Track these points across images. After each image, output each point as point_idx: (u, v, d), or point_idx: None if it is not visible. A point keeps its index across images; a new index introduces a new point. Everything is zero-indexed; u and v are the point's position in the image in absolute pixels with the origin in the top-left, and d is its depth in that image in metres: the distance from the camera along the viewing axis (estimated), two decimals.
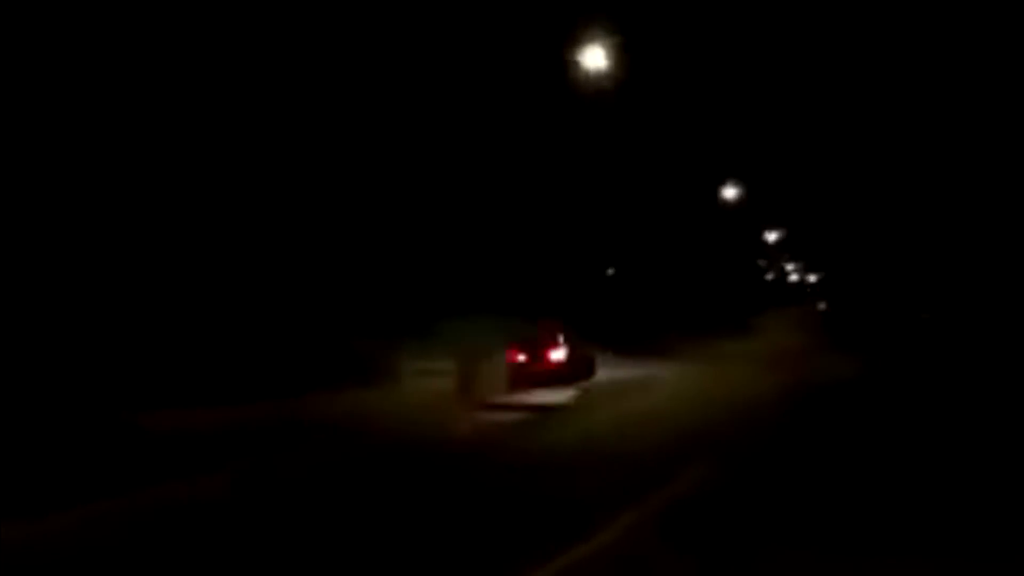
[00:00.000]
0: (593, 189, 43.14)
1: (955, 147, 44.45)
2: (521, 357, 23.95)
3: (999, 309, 42.82)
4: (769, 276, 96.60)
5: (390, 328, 23.34)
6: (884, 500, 9.86)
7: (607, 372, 26.68)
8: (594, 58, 27.19)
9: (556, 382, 22.80)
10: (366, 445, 13.90)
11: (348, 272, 27.23)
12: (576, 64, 27.61)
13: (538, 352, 23.91)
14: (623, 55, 30.31)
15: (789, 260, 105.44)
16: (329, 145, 26.41)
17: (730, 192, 61.12)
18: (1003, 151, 39.64)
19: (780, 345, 43.43)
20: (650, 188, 48.98)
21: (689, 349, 38.05)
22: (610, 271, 51.76)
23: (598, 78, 28.52)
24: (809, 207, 76.99)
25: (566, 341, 24.59)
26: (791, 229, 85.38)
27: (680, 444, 13.43)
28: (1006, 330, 38.86)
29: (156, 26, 20.21)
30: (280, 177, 24.41)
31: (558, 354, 24.03)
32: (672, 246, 55.25)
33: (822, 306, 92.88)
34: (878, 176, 58.39)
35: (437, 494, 10.75)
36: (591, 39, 27.23)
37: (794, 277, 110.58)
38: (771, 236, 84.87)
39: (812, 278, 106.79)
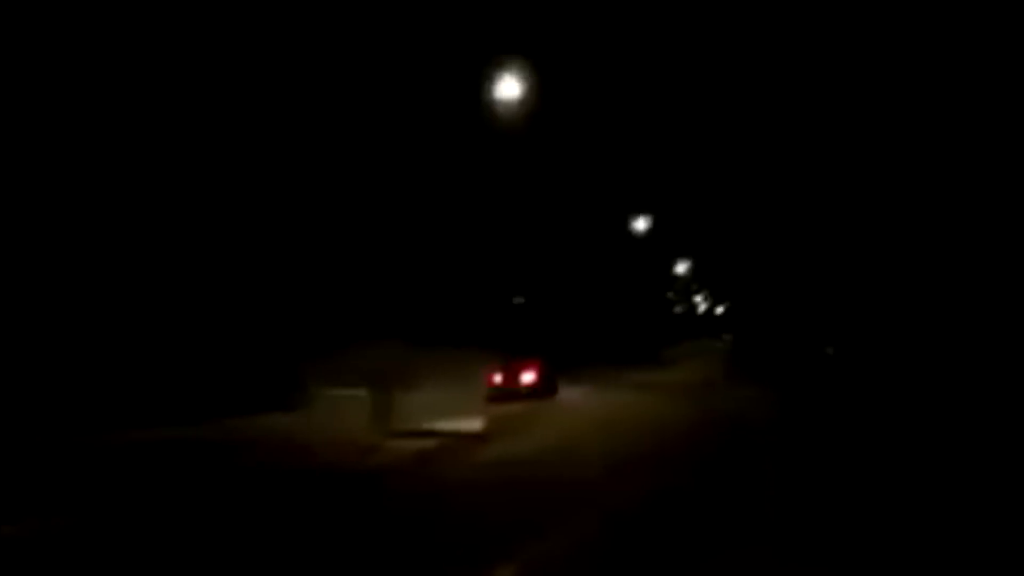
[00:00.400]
0: (506, 219, 43.43)
1: (855, 180, 45.80)
2: (498, 379, 30.56)
3: (900, 344, 44.18)
4: (678, 308, 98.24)
5: (304, 352, 23.19)
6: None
7: (521, 401, 26.83)
8: (508, 89, 27.38)
9: (528, 398, 28.93)
10: (277, 470, 13.76)
11: (265, 298, 26.97)
12: (491, 95, 27.77)
13: (512, 376, 30.56)
14: (536, 86, 30.69)
15: (698, 291, 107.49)
16: (249, 177, 26.26)
17: (640, 224, 61.88)
18: (902, 188, 40.91)
19: (688, 377, 44.27)
20: (562, 218, 49.49)
21: (599, 379, 38.47)
22: (518, 300, 51.96)
23: (511, 109, 28.73)
24: (716, 239, 78.63)
25: (537, 368, 31.55)
26: (699, 261, 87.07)
27: (587, 478, 13.58)
28: (904, 365, 40.15)
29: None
30: (198, 204, 24.20)
31: (528, 377, 30.81)
32: (583, 276, 55.77)
33: (728, 338, 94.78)
34: (783, 209, 59.81)
35: (336, 522, 10.72)
36: (505, 70, 27.44)
37: (702, 308, 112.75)
38: (680, 268, 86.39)
39: (719, 309, 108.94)
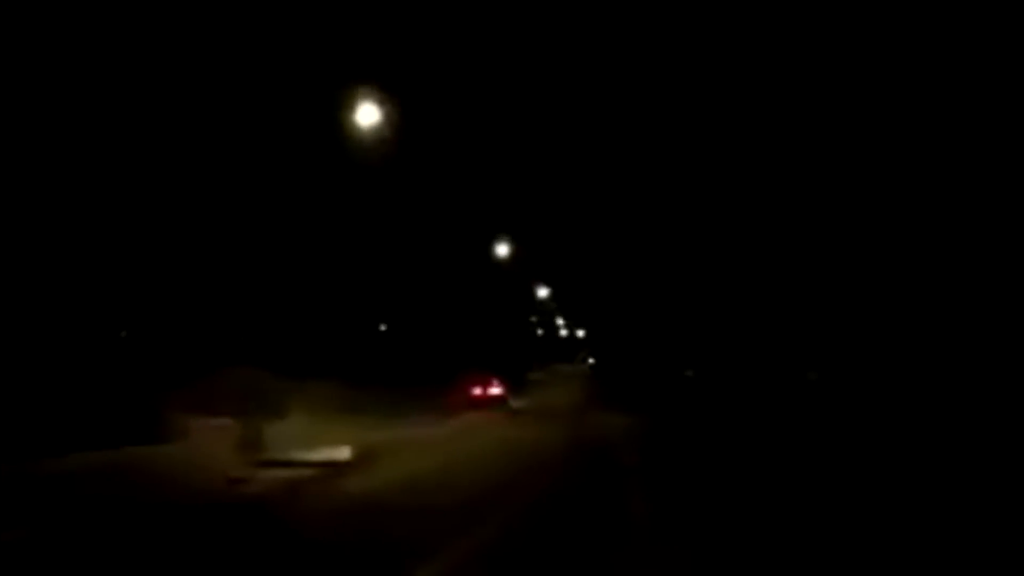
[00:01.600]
0: (368, 244, 43.28)
1: (708, 206, 47.36)
2: (476, 391, 43.96)
3: (756, 366, 45.89)
4: (540, 331, 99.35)
5: (166, 380, 22.64)
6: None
7: (388, 428, 26.76)
8: (367, 115, 27.40)
9: (493, 406, 41.68)
10: (143, 503, 13.42)
11: (124, 326, 26.28)
12: (349, 121, 27.76)
13: (485, 388, 44.89)
14: (395, 113, 30.85)
15: (559, 316, 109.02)
16: (101, 196, 25.63)
17: (502, 249, 62.37)
18: (759, 211, 42.40)
19: (554, 401, 44.94)
20: (423, 244, 49.58)
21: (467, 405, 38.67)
22: (383, 327, 51.76)
23: (371, 135, 28.76)
24: (575, 265, 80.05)
25: (501, 384, 46.41)
26: (559, 286, 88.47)
27: (455, 507, 13.69)
28: (759, 387, 41.74)
29: None
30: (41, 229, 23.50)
31: (496, 390, 45.41)
32: (445, 301, 55.91)
33: (591, 361, 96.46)
34: (640, 234, 61.39)
35: (208, 553, 10.58)
36: (364, 97, 27.48)
37: (564, 332, 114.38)
38: (542, 292, 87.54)
39: (580, 333, 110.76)
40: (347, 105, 27.45)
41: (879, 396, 31.06)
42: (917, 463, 18.52)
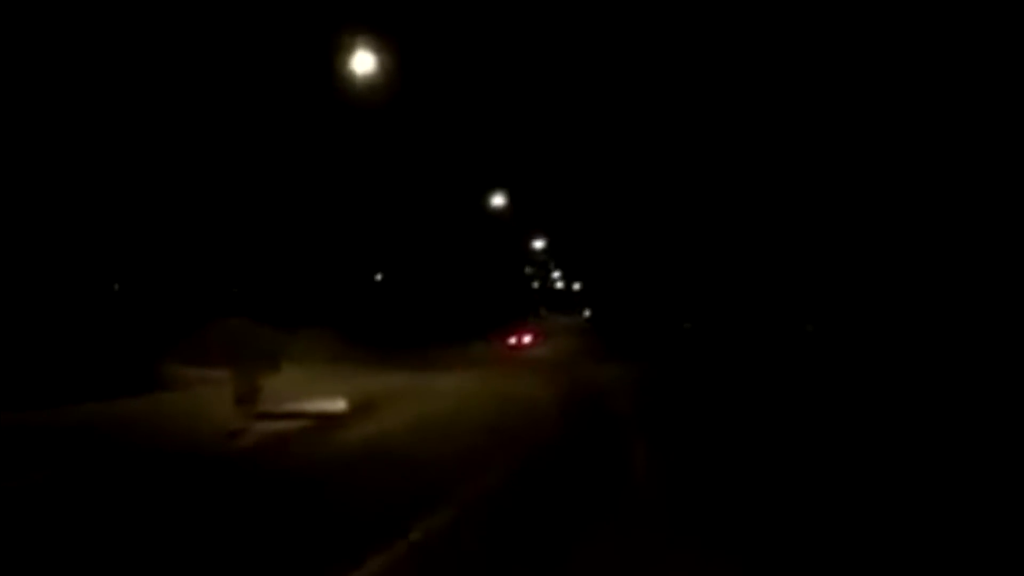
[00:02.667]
0: (363, 194, 42.93)
1: (711, 161, 47.04)
2: (513, 340, 51.80)
3: (754, 318, 45.87)
4: (535, 284, 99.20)
5: (159, 332, 22.47)
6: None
7: (383, 378, 26.63)
8: (362, 63, 26.93)
9: (530, 347, 50.46)
10: (143, 455, 13.30)
11: (117, 278, 26.05)
12: (344, 68, 27.30)
13: (520, 337, 52.85)
14: (391, 61, 30.38)
15: (555, 268, 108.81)
16: (96, 154, 25.32)
17: (497, 200, 62.01)
18: (757, 168, 42.18)
19: (553, 352, 44.88)
20: (418, 194, 49.24)
21: (464, 355, 38.58)
22: (378, 276, 51.61)
23: (366, 83, 28.31)
24: (571, 215, 79.66)
25: (534, 333, 55.41)
26: (555, 237, 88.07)
27: (456, 455, 13.70)
28: (760, 338, 41.76)
29: None
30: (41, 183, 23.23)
31: (528, 338, 53.50)
32: (440, 252, 55.75)
33: (587, 313, 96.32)
34: (637, 186, 61.03)
35: (211, 505, 10.45)
36: (359, 43, 27.01)
37: (560, 284, 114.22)
38: (537, 244, 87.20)
39: (576, 286, 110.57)
40: (342, 51, 27.00)
41: (874, 348, 31.13)
42: (905, 410, 18.64)
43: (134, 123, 27.30)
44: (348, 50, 26.95)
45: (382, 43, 28.14)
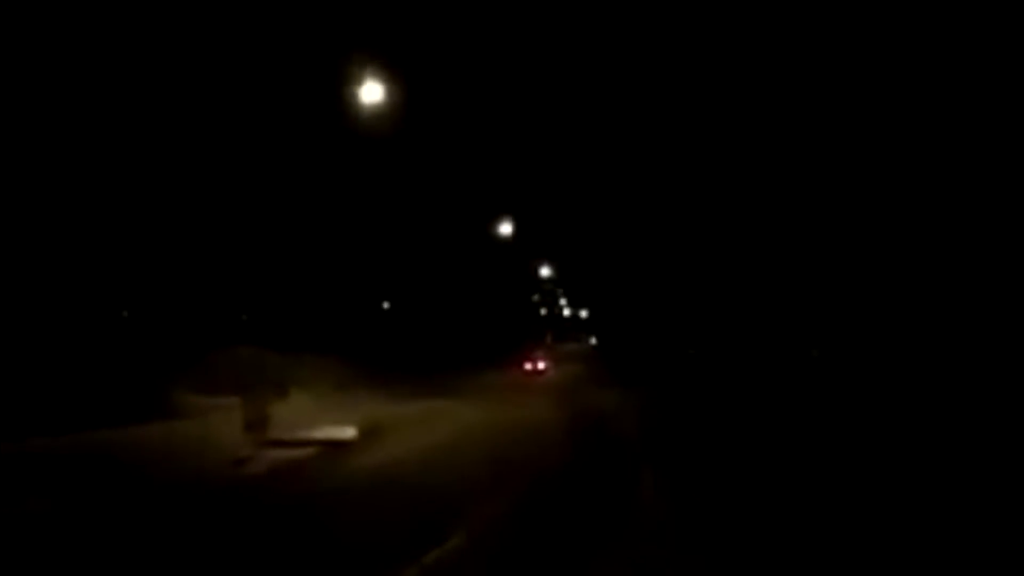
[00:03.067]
0: (371, 222, 43.11)
1: (716, 189, 47.15)
2: (528, 366, 54.07)
3: (759, 344, 45.84)
4: (543, 311, 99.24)
5: (169, 360, 22.59)
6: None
7: (391, 406, 26.66)
8: (370, 93, 27.14)
9: (543, 373, 52.19)
10: (150, 482, 13.35)
11: (127, 305, 26.18)
12: (353, 99, 27.51)
13: (535, 364, 54.58)
14: (399, 91, 30.60)
15: (562, 295, 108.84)
16: (106, 178, 25.53)
17: (504, 228, 62.12)
18: (761, 196, 42.26)
19: (559, 379, 44.88)
20: (425, 222, 49.42)
21: (471, 382, 38.58)
22: (385, 304, 51.71)
23: (374, 112, 28.50)
24: (578, 243, 79.79)
25: (546, 359, 56.80)
26: (562, 265, 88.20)
27: (464, 482, 13.66)
28: (764, 363, 41.72)
29: None
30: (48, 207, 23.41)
31: (542, 364, 55.00)
32: (447, 279, 55.89)
33: (593, 340, 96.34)
34: (643, 214, 61.18)
35: (218, 532, 10.50)
36: (367, 74, 27.22)
37: (567, 312, 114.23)
38: (544, 271, 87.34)
39: (583, 313, 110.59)
40: (351, 81, 27.22)
41: (879, 373, 31.09)
42: (912, 438, 18.61)
43: (143, 153, 27.51)
44: (356, 81, 27.15)
45: (390, 73, 28.36)
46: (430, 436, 20.11)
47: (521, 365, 54.12)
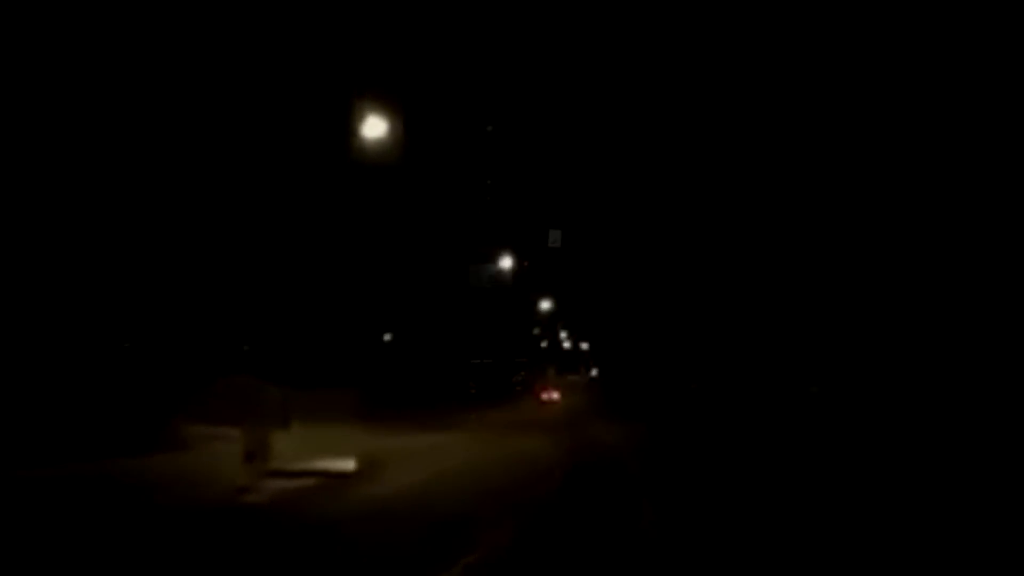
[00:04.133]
0: (372, 255, 43.26)
1: (715, 221, 47.30)
2: (544, 396, 61.20)
3: (759, 379, 45.83)
4: (544, 344, 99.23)
5: (169, 390, 22.59)
6: None
7: (391, 438, 26.63)
8: (373, 128, 27.33)
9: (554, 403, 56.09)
10: (146, 510, 13.35)
11: (129, 336, 26.21)
12: (357, 133, 27.71)
13: (549, 394, 61.12)
14: (400, 126, 30.84)
15: (562, 328, 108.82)
16: (107, 207, 25.68)
17: (505, 262, 62.36)
18: (763, 226, 42.37)
19: (560, 413, 44.80)
20: (428, 257, 49.61)
21: (472, 415, 38.57)
22: (387, 336, 51.73)
23: (377, 146, 28.71)
24: (578, 278, 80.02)
25: (558, 390, 63.38)
26: (562, 299, 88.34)
27: (463, 513, 13.65)
28: (763, 399, 41.71)
29: None
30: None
31: (555, 394, 61.78)
32: (448, 313, 55.96)
33: (594, 372, 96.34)
34: (644, 248, 61.38)
35: (214, 562, 10.51)
36: (370, 109, 27.45)
37: (567, 344, 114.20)
38: (544, 305, 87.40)
39: (584, 345, 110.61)
40: (354, 116, 27.46)
41: (879, 409, 31.11)
42: (912, 472, 18.65)
43: (148, 185, 27.68)
44: (359, 116, 27.37)
45: (390, 108, 28.59)
46: (431, 467, 20.15)
47: (538, 395, 63.14)
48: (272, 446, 18.11)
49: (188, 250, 29.77)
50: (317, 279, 38.52)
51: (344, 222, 39.53)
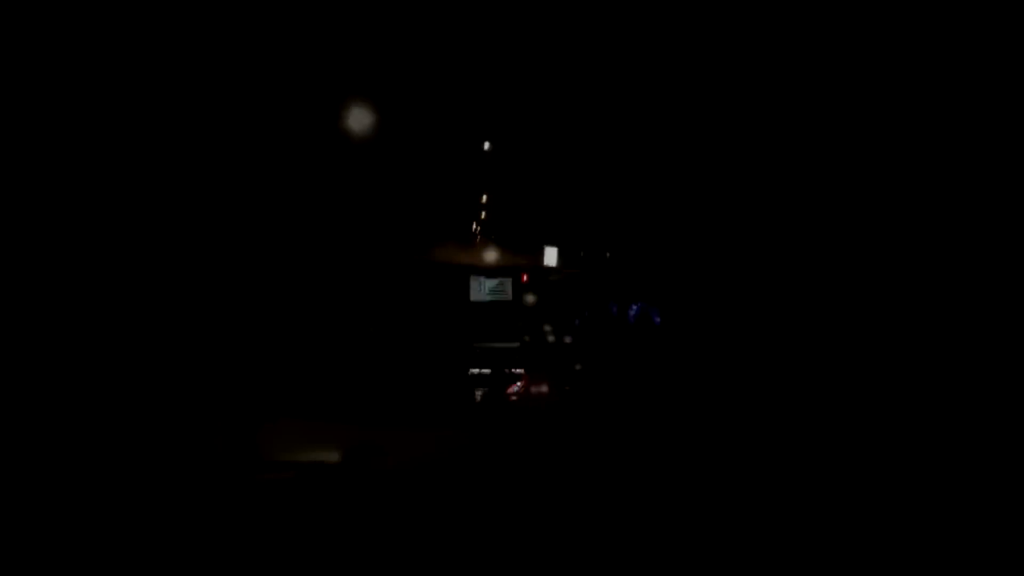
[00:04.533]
0: (356, 256, 43.12)
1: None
2: (533, 388, 49.29)
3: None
4: (527, 337, 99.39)
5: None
6: None
7: (383, 431, 26.62)
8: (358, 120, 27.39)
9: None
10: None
11: None
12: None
13: (539, 387, 47.10)
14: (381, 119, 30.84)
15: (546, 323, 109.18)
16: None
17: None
18: (759, 226, 42.26)
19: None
20: (416, 263, 49.52)
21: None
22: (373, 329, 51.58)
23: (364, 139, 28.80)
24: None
25: (548, 383, 49.80)
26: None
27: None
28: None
29: None
30: None
31: (544, 387, 49.36)
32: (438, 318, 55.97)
33: (579, 368, 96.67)
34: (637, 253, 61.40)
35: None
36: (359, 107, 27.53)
37: (551, 339, 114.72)
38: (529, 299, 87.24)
39: (567, 339, 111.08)
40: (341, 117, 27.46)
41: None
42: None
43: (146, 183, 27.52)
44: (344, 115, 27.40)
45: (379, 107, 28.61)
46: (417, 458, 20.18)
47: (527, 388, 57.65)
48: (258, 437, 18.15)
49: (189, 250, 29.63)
50: (302, 280, 38.39)
51: (330, 230, 39.44)
